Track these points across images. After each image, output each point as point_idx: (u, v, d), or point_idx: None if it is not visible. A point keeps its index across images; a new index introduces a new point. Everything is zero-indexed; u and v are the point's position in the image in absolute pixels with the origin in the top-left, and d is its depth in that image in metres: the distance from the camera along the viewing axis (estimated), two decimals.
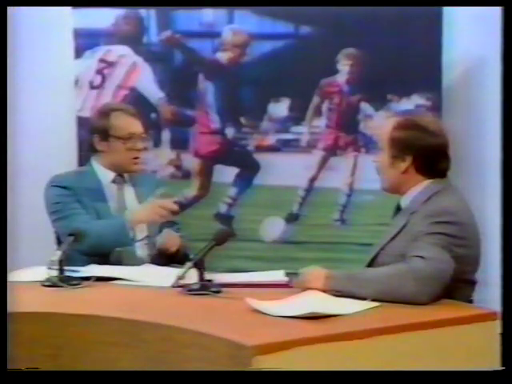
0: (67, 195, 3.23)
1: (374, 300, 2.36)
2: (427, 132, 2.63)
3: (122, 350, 2.23)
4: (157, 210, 3.14)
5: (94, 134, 3.31)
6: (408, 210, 2.64)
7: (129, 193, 3.33)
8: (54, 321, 2.35)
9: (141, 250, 3.27)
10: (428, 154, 2.63)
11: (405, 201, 2.68)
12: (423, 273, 2.40)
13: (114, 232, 3.13)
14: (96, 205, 3.23)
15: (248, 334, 2.05)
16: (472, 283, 2.63)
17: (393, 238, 2.64)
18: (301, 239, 4.04)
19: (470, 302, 2.62)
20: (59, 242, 3.18)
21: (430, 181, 2.65)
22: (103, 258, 3.11)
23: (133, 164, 3.29)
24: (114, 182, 3.31)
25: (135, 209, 3.25)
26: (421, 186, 2.64)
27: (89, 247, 2.99)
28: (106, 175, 3.30)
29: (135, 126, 3.29)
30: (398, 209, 2.73)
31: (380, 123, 2.77)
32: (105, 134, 3.27)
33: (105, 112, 3.33)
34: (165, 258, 3.22)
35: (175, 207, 3.16)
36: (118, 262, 3.14)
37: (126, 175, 3.33)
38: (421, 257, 2.43)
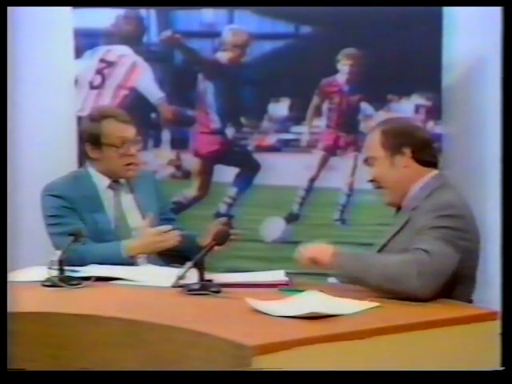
0: (63, 207, 3.19)
1: (375, 288, 2.36)
2: (413, 126, 2.80)
3: (122, 349, 2.23)
4: (156, 239, 3.10)
5: (86, 142, 3.28)
6: (409, 206, 2.65)
7: (126, 199, 3.30)
8: (54, 321, 2.35)
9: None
10: (423, 143, 2.70)
11: (406, 199, 2.68)
12: (427, 267, 2.41)
13: (110, 259, 3.06)
14: (94, 215, 3.21)
15: (248, 333, 2.05)
16: (473, 279, 2.63)
17: (395, 235, 2.65)
18: (301, 239, 4.01)
19: (470, 301, 2.62)
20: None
21: (430, 176, 2.66)
22: None
23: (127, 170, 3.26)
24: (109, 187, 3.29)
25: (132, 239, 3.18)
26: (421, 182, 2.66)
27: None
28: (101, 181, 3.28)
29: (127, 131, 3.26)
30: (399, 207, 2.74)
31: (367, 141, 2.81)
32: (97, 142, 3.24)
33: (95, 119, 3.28)
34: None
35: (176, 235, 3.11)
36: None
37: (122, 180, 3.32)
38: (425, 250, 2.44)
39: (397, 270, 2.43)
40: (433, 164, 2.71)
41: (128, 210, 3.30)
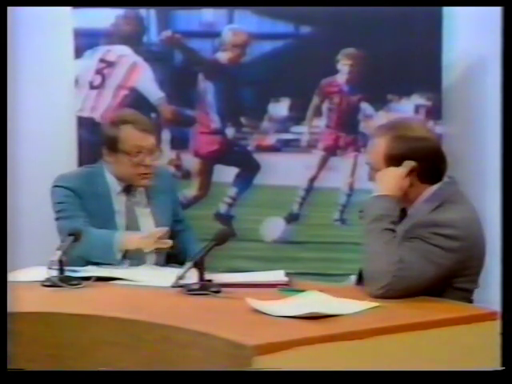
0: (71, 197, 3.19)
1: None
2: (419, 141, 2.62)
3: (122, 350, 2.23)
4: (150, 242, 3.07)
5: (103, 146, 3.26)
6: (414, 216, 2.61)
7: (140, 205, 3.28)
8: (54, 321, 2.35)
9: (150, 259, 3.24)
10: (427, 162, 2.61)
11: (412, 208, 2.65)
12: (397, 283, 2.43)
13: (101, 247, 3.06)
14: (103, 216, 3.19)
15: (248, 333, 2.05)
16: (469, 291, 2.62)
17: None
18: (301, 239, 4.03)
19: (470, 302, 2.62)
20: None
21: (437, 186, 2.63)
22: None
23: (140, 179, 3.23)
24: (123, 191, 3.27)
25: (128, 233, 3.16)
26: (428, 192, 2.62)
27: (80, 252, 2.96)
28: (115, 183, 3.26)
29: (144, 140, 3.22)
30: (403, 212, 2.70)
31: (370, 146, 2.76)
32: (113, 147, 3.22)
33: (115, 123, 3.26)
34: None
35: (169, 242, 3.08)
36: None
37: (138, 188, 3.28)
38: (404, 264, 2.44)
39: (375, 264, 2.47)
40: (439, 177, 2.64)
41: (142, 216, 3.28)
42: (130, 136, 3.21)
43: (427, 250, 2.48)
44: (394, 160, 2.61)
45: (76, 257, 2.96)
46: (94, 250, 3.05)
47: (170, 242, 3.08)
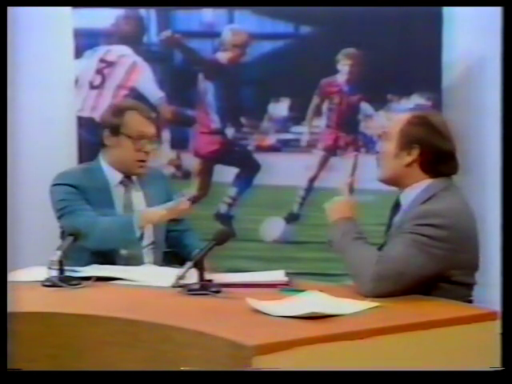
0: (74, 193, 3.19)
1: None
2: (438, 132, 2.63)
3: (122, 349, 2.23)
4: (168, 214, 3.15)
5: (104, 129, 3.27)
6: (406, 210, 2.63)
7: (136, 197, 3.29)
8: (54, 321, 2.35)
9: (147, 255, 3.26)
10: (434, 153, 2.62)
11: (405, 199, 2.67)
12: (386, 271, 2.46)
13: (121, 229, 3.12)
14: (103, 210, 3.19)
15: (248, 333, 2.05)
16: (466, 285, 2.62)
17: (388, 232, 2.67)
18: (301, 239, 4.04)
19: (470, 302, 2.62)
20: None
21: (432, 180, 2.63)
22: (109, 260, 3.10)
23: (138, 167, 3.25)
24: (121, 183, 3.28)
25: (146, 209, 3.23)
26: (422, 185, 2.63)
27: (94, 242, 3.01)
28: (113, 175, 3.26)
29: (147, 127, 3.25)
30: (396, 205, 2.72)
31: (394, 117, 2.77)
32: (116, 131, 3.24)
33: (120, 109, 3.29)
34: None
35: (186, 206, 3.20)
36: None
37: (133, 177, 3.31)
38: (390, 254, 2.47)
39: (357, 264, 2.51)
40: (440, 173, 2.64)
41: (137, 208, 3.29)
42: (135, 121, 3.25)
43: (415, 239, 2.48)
44: (406, 138, 2.62)
45: (91, 246, 3.02)
46: (112, 231, 3.10)
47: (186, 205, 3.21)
